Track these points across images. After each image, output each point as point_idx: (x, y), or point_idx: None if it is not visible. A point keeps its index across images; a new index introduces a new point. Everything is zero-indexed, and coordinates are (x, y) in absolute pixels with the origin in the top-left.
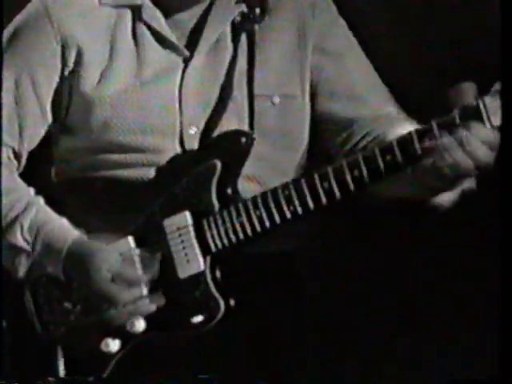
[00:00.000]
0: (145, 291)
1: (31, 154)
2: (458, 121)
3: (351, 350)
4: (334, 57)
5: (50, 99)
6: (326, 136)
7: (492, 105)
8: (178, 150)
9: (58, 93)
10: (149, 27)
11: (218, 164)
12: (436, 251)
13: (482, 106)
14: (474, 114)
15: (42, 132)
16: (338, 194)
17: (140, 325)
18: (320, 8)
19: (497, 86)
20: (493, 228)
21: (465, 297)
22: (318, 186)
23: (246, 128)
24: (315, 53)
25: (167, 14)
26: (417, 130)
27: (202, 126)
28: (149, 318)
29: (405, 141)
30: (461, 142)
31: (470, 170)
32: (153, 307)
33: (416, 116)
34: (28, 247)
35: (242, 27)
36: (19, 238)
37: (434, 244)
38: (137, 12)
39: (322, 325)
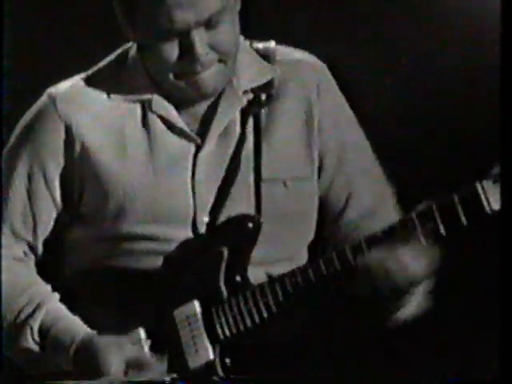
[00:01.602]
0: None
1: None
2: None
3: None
4: (335, 144)
5: (61, 191)
6: (324, 215)
7: (491, 188)
8: (190, 237)
9: (69, 184)
10: (159, 116)
11: (225, 251)
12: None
13: (480, 190)
14: (472, 198)
15: (55, 222)
16: (344, 278)
17: None
18: (324, 88)
19: (495, 170)
20: (493, 228)
21: (465, 297)
22: (325, 272)
23: (253, 212)
24: (319, 134)
25: (177, 106)
26: (419, 213)
27: (213, 212)
28: None
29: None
30: (394, 257)
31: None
32: None
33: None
34: (38, 348)
35: (249, 112)
36: (30, 341)
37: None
38: (147, 104)
39: None
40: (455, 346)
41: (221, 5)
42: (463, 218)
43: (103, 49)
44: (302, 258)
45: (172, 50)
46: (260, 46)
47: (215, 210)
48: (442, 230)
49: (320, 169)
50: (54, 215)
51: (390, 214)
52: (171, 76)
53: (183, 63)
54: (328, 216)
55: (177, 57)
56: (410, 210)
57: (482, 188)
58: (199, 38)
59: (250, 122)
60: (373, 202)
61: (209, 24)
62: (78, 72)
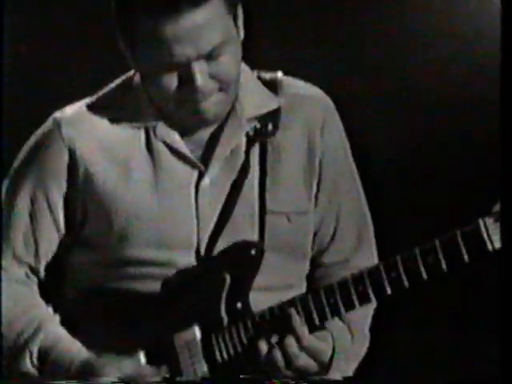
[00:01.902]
0: None
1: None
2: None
3: None
4: (330, 184)
5: (64, 215)
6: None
7: (493, 226)
8: (193, 263)
9: (72, 209)
10: (164, 142)
11: (227, 277)
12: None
13: (482, 227)
14: (474, 235)
15: (57, 246)
16: (342, 309)
17: None
18: (329, 126)
19: (497, 207)
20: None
21: (465, 297)
22: (324, 301)
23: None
24: (318, 171)
25: (181, 133)
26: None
27: (215, 238)
28: None
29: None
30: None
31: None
32: None
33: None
34: (37, 373)
35: (255, 141)
36: (28, 365)
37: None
38: (151, 130)
39: None
40: (455, 346)
41: (222, 38)
42: (465, 255)
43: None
44: (302, 287)
45: (172, 80)
46: (267, 76)
47: (218, 237)
48: (444, 266)
49: (314, 205)
50: (57, 239)
51: (364, 263)
52: (173, 105)
53: (184, 92)
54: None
55: (178, 86)
56: (412, 246)
57: (485, 225)
58: (199, 69)
59: (256, 150)
60: (350, 250)
61: (209, 56)
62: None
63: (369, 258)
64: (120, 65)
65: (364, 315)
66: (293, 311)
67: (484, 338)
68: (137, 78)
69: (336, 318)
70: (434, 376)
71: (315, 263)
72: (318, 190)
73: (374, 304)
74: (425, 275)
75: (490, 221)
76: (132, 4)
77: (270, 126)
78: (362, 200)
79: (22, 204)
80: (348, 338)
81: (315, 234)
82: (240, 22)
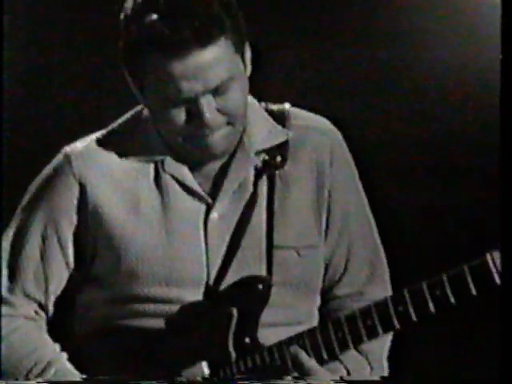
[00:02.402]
0: None
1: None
2: (467, 273)
3: None
4: (340, 216)
5: (74, 252)
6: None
7: (500, 260)
8: (201, 299)
9: (82, 245)
10: (172, 176)
11: (235, 312)
12: (435, 250)
13: (490, 260)
14: (482, 269)
15: (67, 283)
16: (350, 343)
17: None
18: (337, 157)
19: None
20: (493, 228)
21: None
22: (332, 336)
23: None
24: (327, 203)
25: (190, 166)
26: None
27: (223, 273)
28: None
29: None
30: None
31: None
32: None
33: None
34: None
35: (263, 173)
36: None
37: (433, 244)
38: (160, 164)
39: None
40: (455, 346)
41: (229, 73)
42: (473, 289)
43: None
44: (313, 322)
45: (180, 115)
46: (274, 108)
47: (226, 272)
48: (452, 300)
49: (324, 238)
50: (67, 275)
51: (378, 294)
52: (181, 139)
53: (192, 127)
54: (323, 285)
55: (185, 121)
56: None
57: (492, 259)
58: (207, 104)
59: (264, 183)
60: (364, 281)
61: (217, 91)
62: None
63: (383, 289)
64: (130, 98)
65: (381, 345)
66: (298, 349)
67: (484, 338)
68: (146, 112)
69: (353, 350)
70: (434, 376)
71: (328, 296)
72: (327, 222)
73: (390, 334)
74: (432, 309)
75: (497, 255)
76: (140, 42)
77: (278, 158)
78: (373, 230)
79: (33, 240)
80: (367, 370)
81: (327, 267)
82: (247, 59)
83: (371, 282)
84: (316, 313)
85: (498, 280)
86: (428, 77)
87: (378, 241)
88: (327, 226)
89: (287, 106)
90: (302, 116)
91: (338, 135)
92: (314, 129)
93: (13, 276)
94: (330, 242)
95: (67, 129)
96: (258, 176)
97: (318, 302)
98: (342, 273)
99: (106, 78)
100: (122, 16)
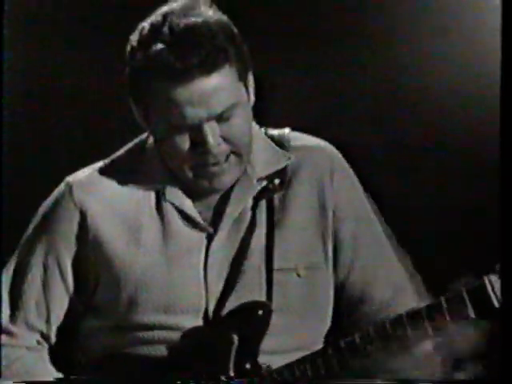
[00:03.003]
0: None
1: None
2: (465, 297)
3: None
4: (350, 235)
5: (75, 281)
6: (341, 307)
7: (498, 283)
8: (201, 325)
9: (83, 274)
10: (173, 205)
11: (235, 338)
12: (435, 249)
13: (487, 284)
14: (480, 292)
15: (69, 312)
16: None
17: None
18: (338, 173)
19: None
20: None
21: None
22: (334, 360)
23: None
24: (334, 221)
25: (191, 195)
26: (428, 306)
27: (224, 300)
28: None
29: (416, 315)
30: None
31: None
32: None
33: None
34: None
35: (262, 198)
36: None
37: (434, 243)
38: (161, 192)
39: None
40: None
41: (233, 100)
42: (471, 312)
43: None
44: (317, 348)
45: (184, 142)
46: (275, 132)
47: (226, 298)
48: (451, 323)
49: (335, 261)
50: (68, 305)
51: (406, 305)
52: (186, 168)
53: (196, 155)
54: (343, 309)
55: (190, 148)
56: None
57: (490, 282)
58: (211, 131)
59: (263, 207)
60: (388, 295)
61: (221, 118)
62: None
63: (411, 298)
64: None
65: None
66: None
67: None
68: (150, 141)
69: None
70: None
71: (357, 315)
72: (337, 242)
73: None
74: (430, 332)
75: (494, 278)
76: (145, 69)
77: (276, 182)
78: (386, 241)
79: (35, 270)
80: None
81: (343, 289)
82: (251, 88)
83: (399, 291)
84: (321, 338)
85: (496, 304)
86: (432, 100)
87: (391, 251)
88: (337, 247)
89: (287, 130)
90: (301, 138)
91: (338, 155)
92: (313, 148)
93: (15, 306)
94: (342, 263)
95: (71, 157)
96: (257, 201)
97: (326, 327)
98: (365, 291)
99: (111, 108)
100: (128, 46)
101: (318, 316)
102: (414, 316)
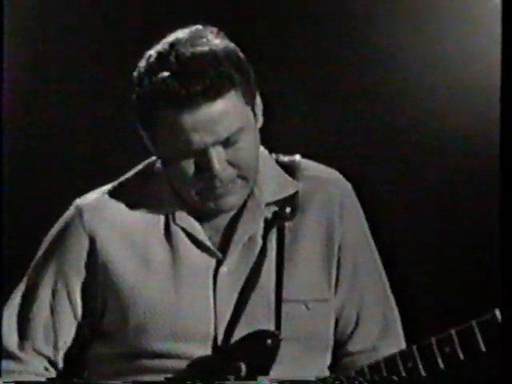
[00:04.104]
0: None
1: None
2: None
3: None
4: (351, 269)
5: (84, 306)
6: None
7: None
8: (209, 354)
9: (92, 299)
10: (182, 229)
11: (243, 367)
12: (435, 249)
13: (499, 317)
14: (491, 325)
15: (76, 338)
16: None
17: None
18: (347, 206)
19: None
20: (492, 228)
21: (465, 296)
22: None
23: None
24: (338, 252)
25: (200, 219)
26: (437, 340)
27: (232, 328)
28: None
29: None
30: None
31: None
32: None
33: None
34: None
35: (273, 225)
36: None
37: (434, 242)
38: (170, 216)
39: None
40: None
41: (239, 125)
42: (482, 345)
43: None
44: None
45: (191, 167)
46: (286, 159)
47: (234, 326)
48: (461, 356)
49: (335, 291)
50: (76, 331)
51: (392, 349)
52: (193, 192)
53: (202, 179)
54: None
55: (196, 173)
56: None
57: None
58: (217, 155)
59: (273, 235)
60: (377, 336)
61: (227, 143)
62: None
63: (397, 343)
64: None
65: None
66: None
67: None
68: (158, 164)
69: None
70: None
71: (340, 352)
72: (338, 275)
73: None
74: (442, 365)
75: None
76: (152, 96)
77: (287, 210)
78: (384, 283)
79: (44, 296)
80: None
81: (337, 322)
82: (258, 111)
83: (384, 337)
84: (326, 371)
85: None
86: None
87: (390, 294)
88: (337, 280)
89: (298, 157)
90: (312, 167)
91: (348, 186)
92: (324, 180)
93: (23, 332)
94: (340, 296)
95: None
96: (267, 228)
97: (329, 360)
98: (354, 328)
99: (119, 130)
100: (135, 73)
101: (324, 348)
102: (424, 350)
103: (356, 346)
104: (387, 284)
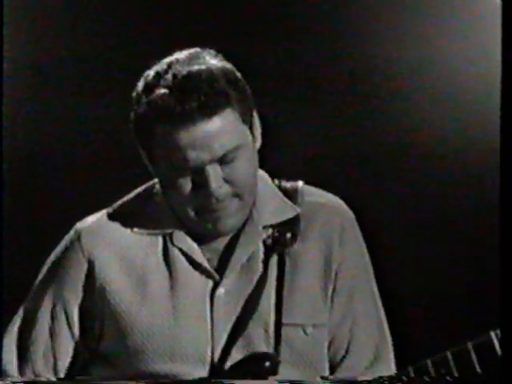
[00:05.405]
0: None
1: None
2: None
3: None
4: (346, 295)
5: (82, 329)
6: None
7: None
8: (206, 375)
9: (90, 322)
10: (180, 250)
11: None
12: (435, 248)
13: (495, 339)
14: (487, 347)
15: (75, 361)
16: None
17: None
18: (347, 236)
19: None
20: (493, 227)
21: (465, 296)
22: None
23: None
24: (335, 278)
25: (199, 240)
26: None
27: (230, 350)
28: None
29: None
30: None
31: None
32: None
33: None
34: None
35: (273, 250)
36: None
37: (434, 242)
38: (168, 237)
39: None
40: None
41: (236, 142)
42: (477, 366)
43: None
44: None
45: (187, 185)
46: (288, 185)
47: (232, 348)
48: (457, 377)
49: (329, 317)
50: (76, 353)
51: (385, 371)
52: (191, 212)
53: (199, 197)
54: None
55: (193, 191)
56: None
57: (497, 337)
58: (213, 173)
59: (274, 261)
60: (366, 365)
61: (223, 160)
62: None
63: (387, 371)
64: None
65: None
66: None
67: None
68: (158, 186)
69: None
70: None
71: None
72: (332, 301)
73: None
74: None
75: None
76: (148, 114)
77: (288, 235)
78: (379, 311)
79: (43, 320)
80: None
81: (329, 347)
82: (256, 131)
83: (374, 366)
84: None
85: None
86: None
87: (385, 322)
88: (331, 306)
89: (300, 183)
90: (313, 193)
91: (350, 214)
92: (325, 206)
93: (23, 356)
94: (333, 322)
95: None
96: (267, 253)
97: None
98: (344, 355)
99: (119, 130)
100: (134, 92)
101: (320, 371)
102: (420, 371)
103: (343, 373)
104: (382, 313)
